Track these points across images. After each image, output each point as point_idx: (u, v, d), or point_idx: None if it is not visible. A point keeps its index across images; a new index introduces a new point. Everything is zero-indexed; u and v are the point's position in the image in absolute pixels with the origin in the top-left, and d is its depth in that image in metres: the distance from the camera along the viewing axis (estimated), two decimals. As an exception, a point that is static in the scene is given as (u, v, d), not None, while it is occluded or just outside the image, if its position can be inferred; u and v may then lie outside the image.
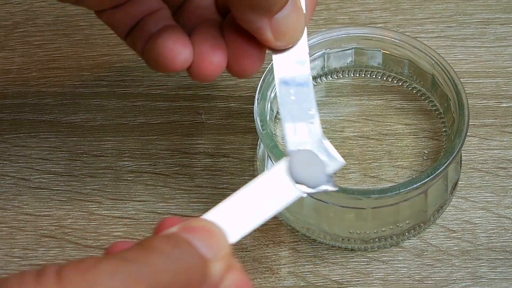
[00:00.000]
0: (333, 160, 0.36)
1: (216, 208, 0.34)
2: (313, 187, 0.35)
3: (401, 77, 0.48)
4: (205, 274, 0.30)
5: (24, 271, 0.28)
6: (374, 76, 0.49)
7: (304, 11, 0.37)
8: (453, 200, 0.45)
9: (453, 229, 0.44)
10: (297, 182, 0.35)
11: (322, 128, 0.47)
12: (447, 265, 0.43)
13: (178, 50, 0.36)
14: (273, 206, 0.34)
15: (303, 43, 0.38)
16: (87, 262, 0.28)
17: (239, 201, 0.34)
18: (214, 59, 0.37)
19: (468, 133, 0.42)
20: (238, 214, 0.34)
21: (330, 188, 0.35)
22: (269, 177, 0.35)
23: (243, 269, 0.32)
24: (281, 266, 0.43)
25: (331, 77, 0.49)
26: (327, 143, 0.36)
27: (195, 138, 0.48)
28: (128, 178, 0.46)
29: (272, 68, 0.45)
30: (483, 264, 0.43)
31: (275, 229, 0.44)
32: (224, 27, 0.38)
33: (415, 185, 0.40)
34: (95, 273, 0.28)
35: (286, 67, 0.38)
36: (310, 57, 0.47)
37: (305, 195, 0.35)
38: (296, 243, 0.44)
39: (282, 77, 0.38)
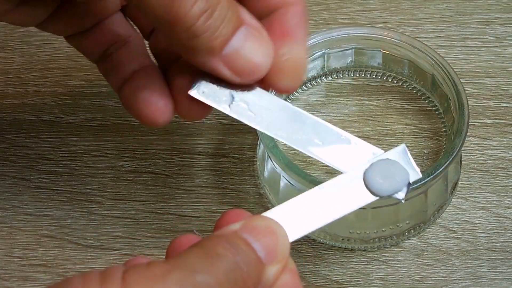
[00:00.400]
0: (413, 171, 0.35)
1: (284, 205, 0.33)
2: (386, 194, 0.34)
3: (401, 77, 0.48)
4: (260, 277, 0.30)
5: (88, 272, 0.28)
6: (374, 76, 0.49)
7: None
8: (453, 200, 0.45)
9: (453, 229, 0.44)
10: (371, 189, 0.34)
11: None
12: (447, 265, 0.43)
13: (161, 110, 0.35)
14: (341, 209, 0.34)
15: None
16: (155, 270, 0.28)
17: (307, 200, 0.34)
18: (160, 106, 0.35)
19: (468, 133, 0.42)
20: (304, 213, 0.33)
21: (401, 195, 0.35)
22: (342, 180, 0.34)
23: (297, 270, 0.32)
24: (281, 266, 0.43)
25: (331, 77, 0.49)
26: (410, 155, 0.35)
27: (195, 138, 0.48)
28: (128, 178, 0.46)
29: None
30: (483, 264, 0.43)
31: None
32: (168, 72, 0.37)
33: (415, 185, 0.40)
34: (164, 285, 0.28)
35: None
36: (310, 57, 0.47)
37: (375, 199, 0.34)
38: (296, 243, 0.44)
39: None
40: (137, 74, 0.37)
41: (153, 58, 0.39)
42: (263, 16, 0.36)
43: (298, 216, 0.34)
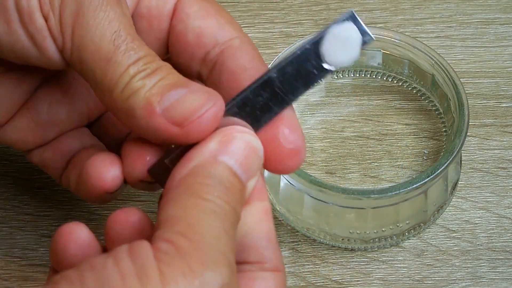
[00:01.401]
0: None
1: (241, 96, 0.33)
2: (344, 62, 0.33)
3: (401, 77, 0.48)
4: (243, 198, 0.32)
5: (120, 259, 0.28)
6: (374, 76, 0.49)
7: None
8: (453, 200, 0.45)
9: (453, 229, 0.44)
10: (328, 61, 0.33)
11: (323, 128, 0.47)
12: (447, 265, 0.43)
13: (105, 169, 0.35)
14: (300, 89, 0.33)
15: None
16: (191, 264, 0.28)
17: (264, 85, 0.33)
18: (108, 175, 0.35)
19: (468, 133, 0.42)
20: (264, 99, 0.33)
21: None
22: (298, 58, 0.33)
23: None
24: (281, 266, 0.43)
25: (331, 77, 0.49)
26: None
27: (195, 138, 0.48)
28: (128, 178, 0.46)
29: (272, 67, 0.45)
30: (483, 264, 0.43)
31: (275, 229, 0.44)
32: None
33: (415, 185, 0.41)
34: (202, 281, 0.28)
35: None
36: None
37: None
38: (296, 243, 0.44)
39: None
40: (81, 151, 0.38)
41: None
42: None
43: (259, 104, 0.33)
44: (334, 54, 0.34)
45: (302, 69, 0.33)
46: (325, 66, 0.33)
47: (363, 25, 0.33)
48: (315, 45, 0.33)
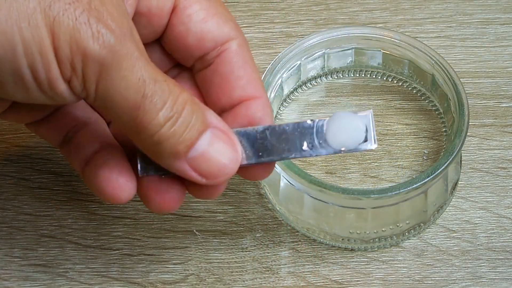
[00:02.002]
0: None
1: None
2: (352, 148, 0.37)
3: (401, 77, 0.48)
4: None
5: None
6: (374, 76, 0.49)
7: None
8: (453, 200, 0.45)
9: (453, 229, 0.44)
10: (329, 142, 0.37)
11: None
12: (447, 265, 0.43)
13: (122, 188, 0.36)
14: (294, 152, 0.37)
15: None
16: None
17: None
18: (120, 183, 0.36)
19: (468, 133, 0.42)
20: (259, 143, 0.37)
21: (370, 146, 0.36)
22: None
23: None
24: (281, 266, 0.43)
25: (331, 77, 0.49)
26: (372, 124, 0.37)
27: (195, 138, 0.48)
28: (128, 178, 0.46)
29: (272, 68, 0.45)
30: (483, 264, 0.43)
31: (275, 229, 0.44)
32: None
33: (415, 185, 0.41)
34: None
35: None
36: (310, 57, 0.47)
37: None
38: (296, 243, 0.44)
39: None
40: (98, 154, 0.37)
41: None
42: (226, 109, 0.38)
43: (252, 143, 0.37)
44: (334, 135, 0.37)
45: (296, 138, 0.37)
46: (319, 143, 0.37)
47: (373, 133, 0.36)
48: (320, 123, 0.37)
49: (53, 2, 0.31)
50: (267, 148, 0.37)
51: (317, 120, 0.37)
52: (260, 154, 0.37)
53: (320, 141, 0.37)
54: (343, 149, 0.37)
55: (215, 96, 0.38)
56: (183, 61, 0.39)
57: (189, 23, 0.37)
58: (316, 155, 0.37)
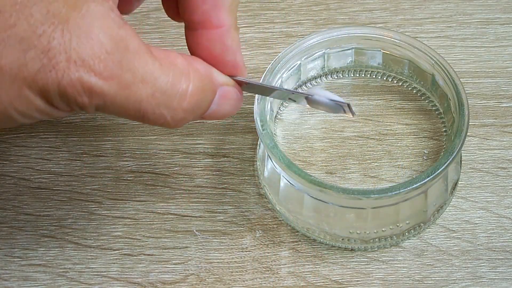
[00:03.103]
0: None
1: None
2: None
3: (401, 77, 0.48)
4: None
5: None
6: (374, 76, 0.49)
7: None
8: (453, 200, 0.45)
9: (453, 229, 0.44)
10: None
11: (323, 128, 0.47)
12: (447, 265, 0.43)
13: None
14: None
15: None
16: None
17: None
18: None
19: (468, 133, 0.42)
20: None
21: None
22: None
23: None
24: (281, 266, 0.43)
25: (331, 77, 0.49)
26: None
27: (195, 138, 0.48)
28: (128, 178, 0.46)
29: (272, 68, 0.45)
30: (483, 264, 0.43)
31: (275, 229, 0.44)
32: None
33: (415, 185, 0.40)
34: None
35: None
36: (310, 57, 0.47)
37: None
38: (296, 243, 0.44)
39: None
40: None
41: None
42: (199, 25, 0.39)
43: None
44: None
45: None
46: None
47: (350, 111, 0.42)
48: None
49: (35, 75, 0.32)
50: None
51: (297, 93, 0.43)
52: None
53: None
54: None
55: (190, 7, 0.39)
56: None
57: None
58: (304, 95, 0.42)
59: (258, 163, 0.46)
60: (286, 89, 0.44)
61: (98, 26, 0.33)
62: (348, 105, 0.42)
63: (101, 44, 0.33)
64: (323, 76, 0.49)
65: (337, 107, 0.42)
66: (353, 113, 0.42)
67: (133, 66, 0.34)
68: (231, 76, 0.40)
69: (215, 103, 0.39)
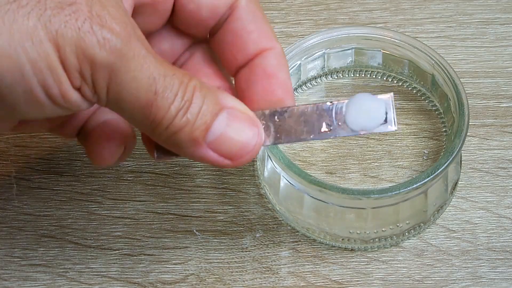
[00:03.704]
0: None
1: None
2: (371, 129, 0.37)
3: (401, 77, 0.48)
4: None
5: None
6: (374, 76, 0.49)
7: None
8: (453, 200, 0.45)
9: (453, 229, 0.44)
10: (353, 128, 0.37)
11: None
12: (447, 265, 0.43)
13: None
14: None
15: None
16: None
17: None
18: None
19: (468, 133, 0.42)
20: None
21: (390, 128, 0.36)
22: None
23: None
24: (281, 266, 0.43)
25: (331, 77, 0.49)
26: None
27: (195, 138, 0.48)
28: (128, 178, 0.46)
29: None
30: (483, 264, 0.43)
31: (275, 229, 0.44)
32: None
33: (415, 185, 0.41)
34: None
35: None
36: (310, 57, 0.47)
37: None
38: (296, 243, 0.44)
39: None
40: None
41: None
42: (243, 65, 0.38)
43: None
44: (354, 117, 0.37)
45: (315, 119, 0.37)
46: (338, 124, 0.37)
47: (394, 115, 0.36)
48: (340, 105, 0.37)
49: (52, 15, 0.31)
50: (285, 129, 0.37)
51: (336, 102, 0.37)
52: (278, 135, 0.37)
53: (339, 123, 0.37)
54: (362, 132, 0.37)
55: (230, 54, 0.38)
56: (199, 34, 0.39)
57: None
58: (335, 136, 0.37)
59: (258, 163, 0.46)
60: (320, 102, 0.38)
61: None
62: (391, 96, 0.37)
63: (118, 11, 0.33)
64: (323, 76, 0.49)
65: (378, 108, 0.37)
66: (393, 123, 0.36)
67: (146, 42, 0.34)
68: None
69: (222, 121, 0.35)
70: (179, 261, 0.44)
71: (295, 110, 0.37)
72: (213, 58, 0.40)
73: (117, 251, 0.44)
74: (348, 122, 0.36)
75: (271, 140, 0.37)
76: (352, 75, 0.49)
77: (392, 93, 0.36)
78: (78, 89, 0.33)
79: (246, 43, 0.38)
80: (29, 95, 0.32)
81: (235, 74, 0.39)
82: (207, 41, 0.40)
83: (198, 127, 0.34)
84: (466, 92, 0.44)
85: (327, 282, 0.43)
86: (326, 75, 0.49)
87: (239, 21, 0.38)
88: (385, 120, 0.36)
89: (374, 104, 0.36)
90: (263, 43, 0.38)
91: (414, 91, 0.48)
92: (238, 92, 0.39)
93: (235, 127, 0.35)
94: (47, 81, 0.32)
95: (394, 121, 0.36)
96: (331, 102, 0.37)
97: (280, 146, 0.42)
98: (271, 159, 0.43)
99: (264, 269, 0.43)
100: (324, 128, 0.37)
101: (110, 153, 0.38)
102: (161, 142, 0.35)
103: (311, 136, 0.37)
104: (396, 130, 0.36)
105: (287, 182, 0.43)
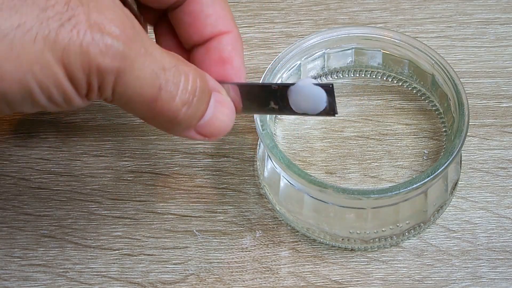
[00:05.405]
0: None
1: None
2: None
3: (401, 77, 0.48)
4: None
5: None
6: (374, 76, 0.49)
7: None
8: (453, 200, 0.45)
9: (453, 229, 0.44)
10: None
11: (323, 128, 0.47)
12: (447, 265, 0.43)
13: None
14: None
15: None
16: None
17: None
18: None
19: (468, 133, 0.42)
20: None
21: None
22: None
23: None
24: (281, 266, 0.43)
25: (331, 77, 0.49)
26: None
27: (195, 138, 0.48)
28: (128, 178, 0.46)
29: (272, 68, 0.45)
30: (483, 264, 0.43)
31: (275, 229, 0.44)
32: None
33: (415, 185, 0.40)
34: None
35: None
36: (310, 57, 0.47)
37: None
38: (296, 243, 0.44)
39: None
40: None
41: None
42: (198, 44, 0.40)
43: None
44: (296, 102, 0.38)
45: (264, 97, 0.39)
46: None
47: (335, 102, 0.38)
48: (284, 87, 0.38)
49: (56, 35, 0.32)
50: (245, 104, 0.40)
51: (281, 85, 0.39)
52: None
53: (285, 104, 0.39)
54: (305, 116, 0.39)
55: (186, 34, 0.40)
56: (160, 8, 0.40)
57: None
58: (282, 114, 0.40)
59: (258, 163, 0.46)
60: (267, 83, 0.43)
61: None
62: (332, 85, 0.38)
63: (115, 12, 0.33)
64: (323, 76, 0.49)
65: (319, 96, 0.38)
66: (334, 110, 0.38)
67: (145, 37, 0.35)
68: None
69: (211, 107, 0.38)
70: (179, 261, 0.44)
71: (245, 86, 0.40)
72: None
73: (117, 251, 0.44)
74: (292, 106, 0.38)
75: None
76: (352, 75, 0.49)
77: (332, 83, 0.38)
78: (86, 96, 0.34)
79: (203, 25, 0.39)
80: (35, 104, 0.34)
81: (190, 50, 0.41)
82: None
83: (196, 117, 0.37)
84: (466, 92, 0.44)
85: (327, 282, 0.43)
86: (326, 75, 0.49)
87: (198, 4, 0.39)
88: (327, 107, 0.38)
89: (315, 91, 0.38)
90: (219, 27, 0.39)
91: (414, 91, 0.48)
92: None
93: (220, 111, 0.38)
94: (53, 95, 0.33)
95: (335, 108, 0.38)
96: (277, 85, 0.39)
97: (280, 146, 0.42)
98: (271, 159, 0.43)
99: (264, 269, 0.43)
100: (273, 105, 0.39)
101: None
102: (156, 126, 0.37)
103: (261, 111, 0.41)
104: (336, 116, 0.38)
105: (287, 182, 0.43)
